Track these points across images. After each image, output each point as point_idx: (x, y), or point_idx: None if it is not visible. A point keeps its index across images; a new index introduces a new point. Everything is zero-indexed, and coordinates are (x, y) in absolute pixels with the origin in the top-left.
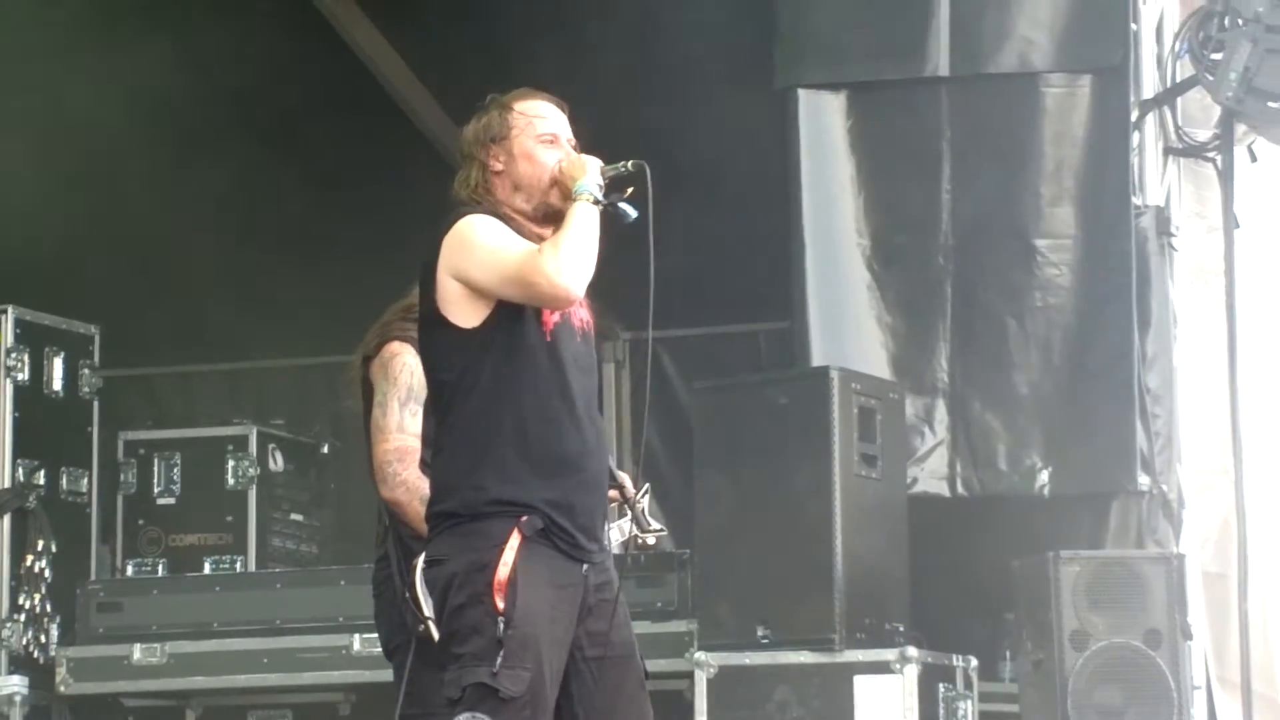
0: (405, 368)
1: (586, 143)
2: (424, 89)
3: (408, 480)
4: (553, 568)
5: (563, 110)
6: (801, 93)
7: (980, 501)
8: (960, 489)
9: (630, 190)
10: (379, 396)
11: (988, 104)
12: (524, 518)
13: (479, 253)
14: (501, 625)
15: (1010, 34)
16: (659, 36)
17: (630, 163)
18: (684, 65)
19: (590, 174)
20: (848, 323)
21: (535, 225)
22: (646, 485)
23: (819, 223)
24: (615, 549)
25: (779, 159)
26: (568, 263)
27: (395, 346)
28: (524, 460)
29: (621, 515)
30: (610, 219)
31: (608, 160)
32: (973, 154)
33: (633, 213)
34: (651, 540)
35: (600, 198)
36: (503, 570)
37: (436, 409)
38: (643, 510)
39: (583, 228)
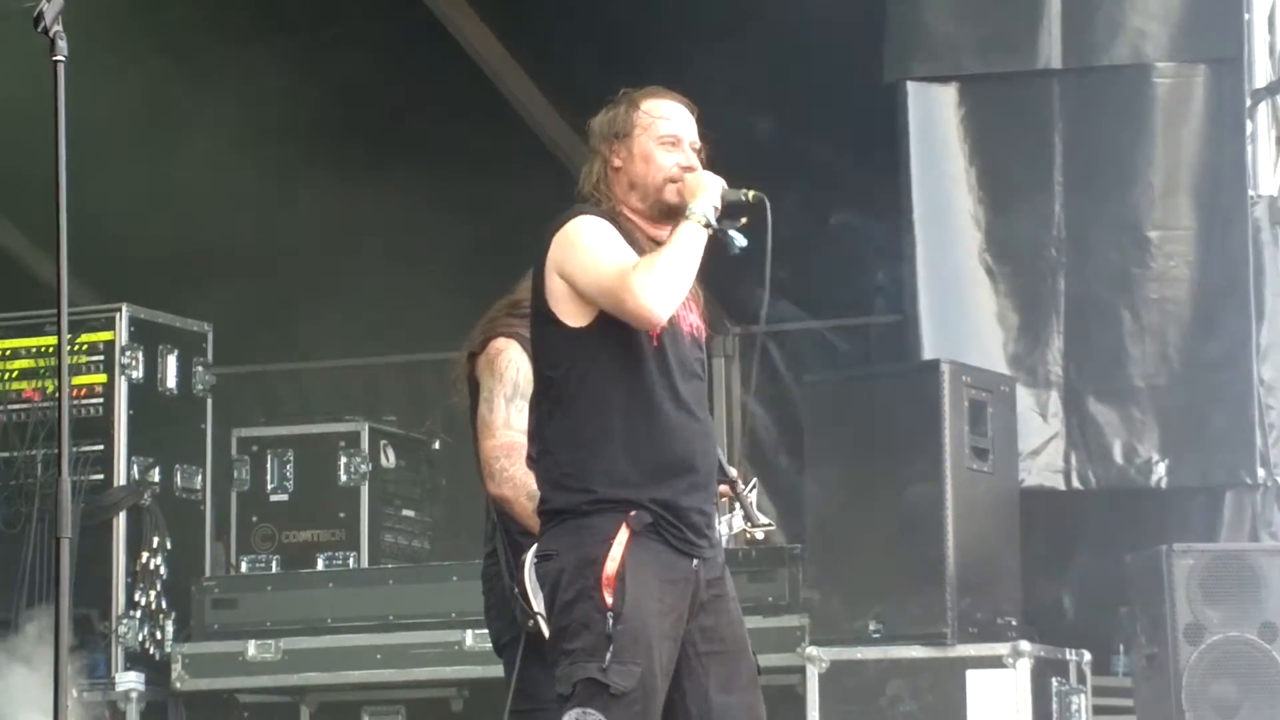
0: (511, 364)
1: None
2: (534, 86)
3: (515, 476)
4: (662, 562)
5: (691, 112)
6: (911, 85)
7: (1092, 494)
8: (1075, 482)
9: (744, 220)
10: (485, 393)
11: (1100, 96)
12: (632, 513)
13: (581, 255)
14: (611, 620)
15: (1123, 25)
16: (770, 29)
17: (751, 193)
18: (795, 59)
19: (708, 194)
20: (960, 315)
21: (651, 225)
22: (754, 480)
23: (930, 215)
24: (726, 543)
25: (889, 152)
26: (658, 285)
27: (501, 343)
28: (632, 465)
29: (731, 510)
30: (718, 244)
31: (733, 181)
32: (1085, 146)
33: (740, 243)
34: (760, 534)
35: (712, 221)
36: (611, 565)
37: (542, 404)
38: (751, 504)
39: (683, 250)
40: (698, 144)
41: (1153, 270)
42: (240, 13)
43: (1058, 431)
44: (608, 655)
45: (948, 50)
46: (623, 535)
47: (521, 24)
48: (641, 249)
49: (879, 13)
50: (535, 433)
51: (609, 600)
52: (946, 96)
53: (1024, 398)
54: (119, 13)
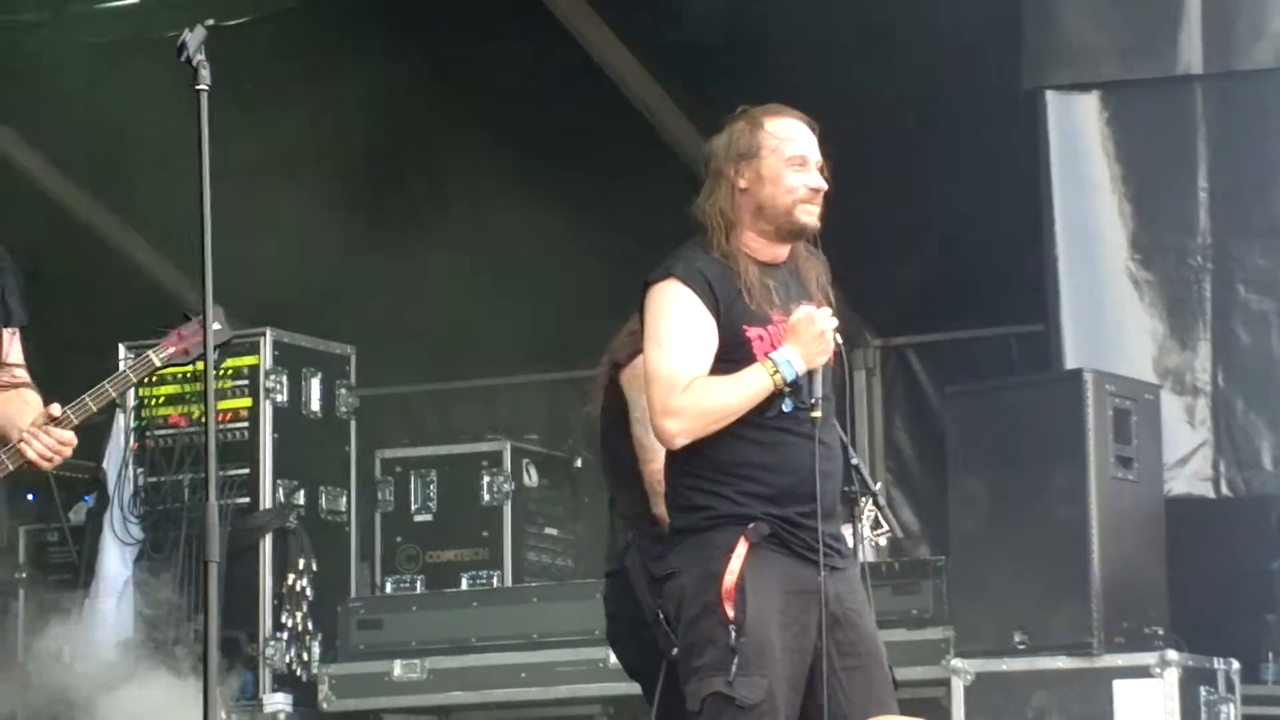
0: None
1: (833, 154)
2: (668, 97)
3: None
4: (784, 573)
5: (813, 131)
6: (1050, 94)
7: (1240, 501)
8: (1224, 489)
9: (815, 399)
10: (637, 412)
11: (1243, 100)
12: (750, 525)
13: (654, 333)
14: (734, 633)
15: (1264, 29)
16: (907, 39)
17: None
18: (933, 67)
19: (805, 348)
20: (1103, 324)
21: (771, 245)
22: (879, 484)
23: (1072, 224)
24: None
25: (1029, 160)
26: (694, 421)
27: None
28: (749, 491)
29: (876, 524)
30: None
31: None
32: (1229, 151)
33: (811, 416)
34: (884, 541)
35: (789, 380)
36: (729, 578)
37: None
38: (878, 515)
39: (742, 396)
40: (821, 162)
41: None
42: (366, 24)
43: (1206, 439)
44: (733, 668)
45: (1087, 57)
46: (741, 548)
47: (651, 32)
48: (750, 289)
49: (1015, 19)
50: (667, 458)
51: (731, 613)
52: (1088, 104)
53: (1171, 405)
54: (256, 39)
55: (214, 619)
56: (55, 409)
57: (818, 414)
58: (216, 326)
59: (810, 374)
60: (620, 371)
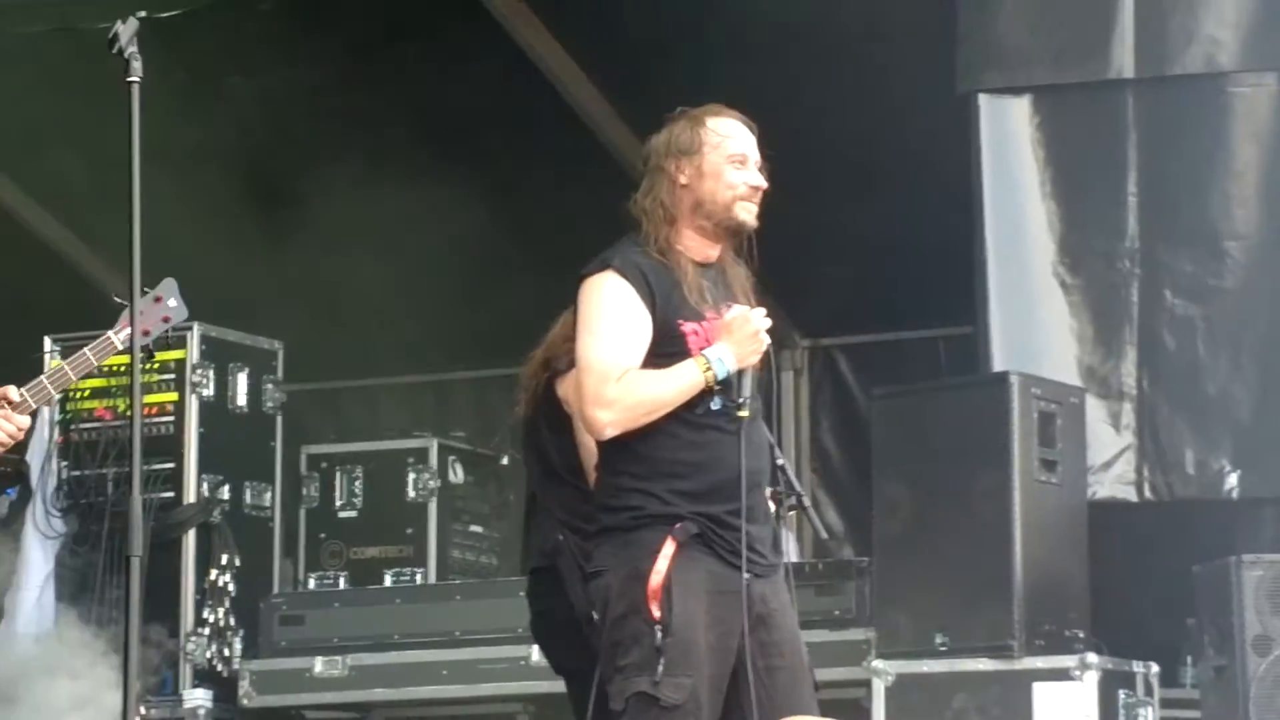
0: None
1: (764, 152)
2: (604, 99)
3: None
4: (711, 574)
5: (752, 131)
6: (983, 97)
7: (1162, 505)
8: (1148, 493)
9: (744, 399)
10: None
11: (1174, 105)
12: (678, 525)
13: (586, 322)
14: (660, 633)
15: (1196, 34)
16: (840, 42)
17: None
18: (865, 70)
19: (738, 346)
20: (1031, 327)
21: (707, 243)
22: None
23: (1002, 227)
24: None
25: (959, 163)
26: (623, 413)
27: None
28: (678, 485)
29: (800, 525)
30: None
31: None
32: (1159, 156)
33: (738, 415)
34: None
35: (720, 378)
36: (656, 578)
37: None
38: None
39: (673, 393)
40: (760, 161)
41: (1228, 281)
42: (307, 34)
43: (1130, 443)
44: (659, 669)
45: (1021, 61)
46: (668, 548)
47: (586, 30)
48: (678, 288)
49: (949, 22)
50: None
51: (657, 613)
52: (1020, 108)
53: (1096, 409)
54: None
55: (135, 614)
56: (13, 392)
57: (745, 413)
58: (173, 303)
59: (740, 373)
60: (559, 380)
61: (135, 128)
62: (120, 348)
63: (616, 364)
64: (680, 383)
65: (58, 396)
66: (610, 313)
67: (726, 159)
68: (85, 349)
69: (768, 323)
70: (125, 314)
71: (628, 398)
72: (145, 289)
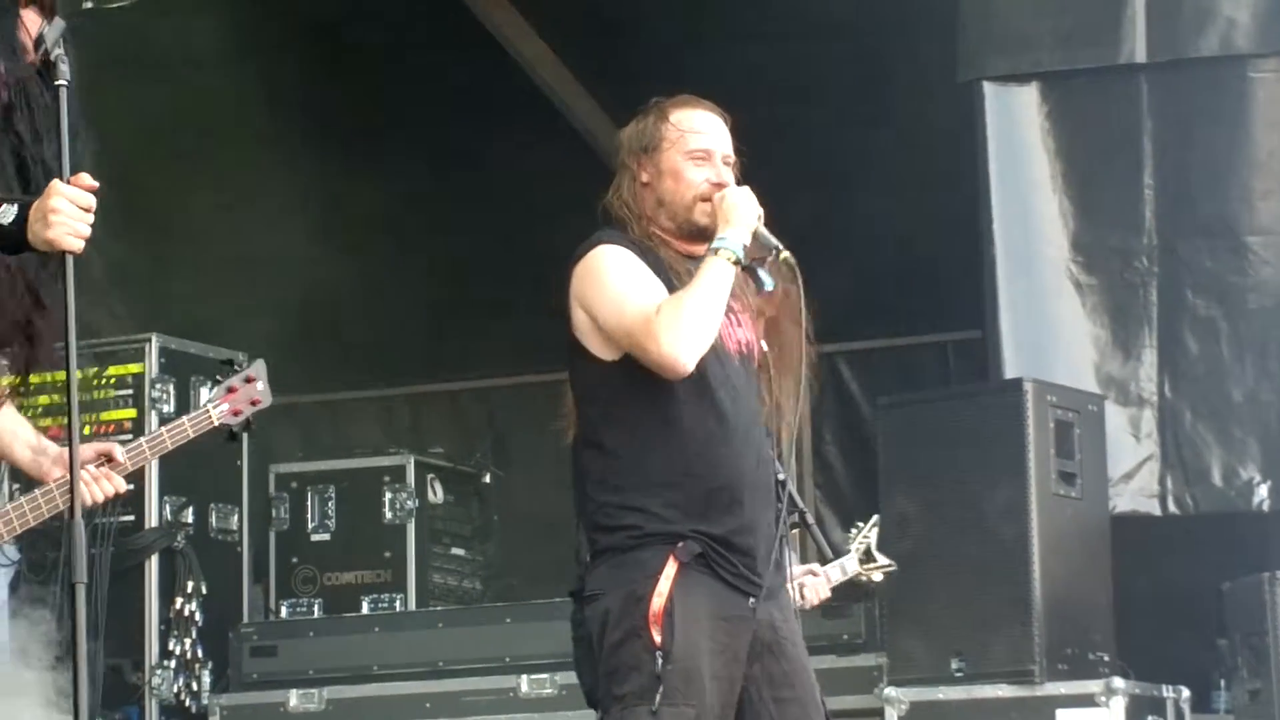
0: None
1: (756, 148)
2: (586, 93)
3: None
4: (715, 597)
5: (725, 122)
6: (988, 85)
7: (1188, 519)
8: (1172, 507)
9: (771, 258)
10: None
11: (1191, 92)
12: (680, 544)
13: (604, 293)
14: (660, 660)
15: (1211, 15)
16: (837, 34)
17: (783, 253)
18: (865, 62)
19: (739, 225)
20: (1044, 330)
21: (683, 243)
22: (875, 517)
23: (1011, 224)
24: (836, 580)
25: (965, 158)
26: (683, 331)
27: None
28: (676, 500)
29: (802, 544)
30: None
31: (766, 188)
32: (1176, 146)
33: (769, 286)
34: (879, 576)
35: (741, 257)
36: (657, 601)
37: (581, 441)
38: (870, 546)
39: (710, 289)
40: (731, 158)
41: (1251, 278)
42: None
43: (1152, 453)
44: (657, 698)
45: (1025, 47)
46: (670, 569)
47: (566, 23)
48: (673, 272)
49: (950, 7)
50: (579, 473)
51: (657, 639)
52: (1027, 96)
53: (1115, 417)
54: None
55: (83, 646)
56: (118, 452)
57: (787, 254)
58: (261, 386)
59: (755, 236)
60: None
61: (64, 132)
62: (215, 424)
63: (649, 304)
64: (709, 279)
65: (151, 458)
66: (619, 272)
67: (686, 155)
68: (185, 419)
69: (744, 188)
70: (226, 387)
71: (675, 318)
72: (237, 365)
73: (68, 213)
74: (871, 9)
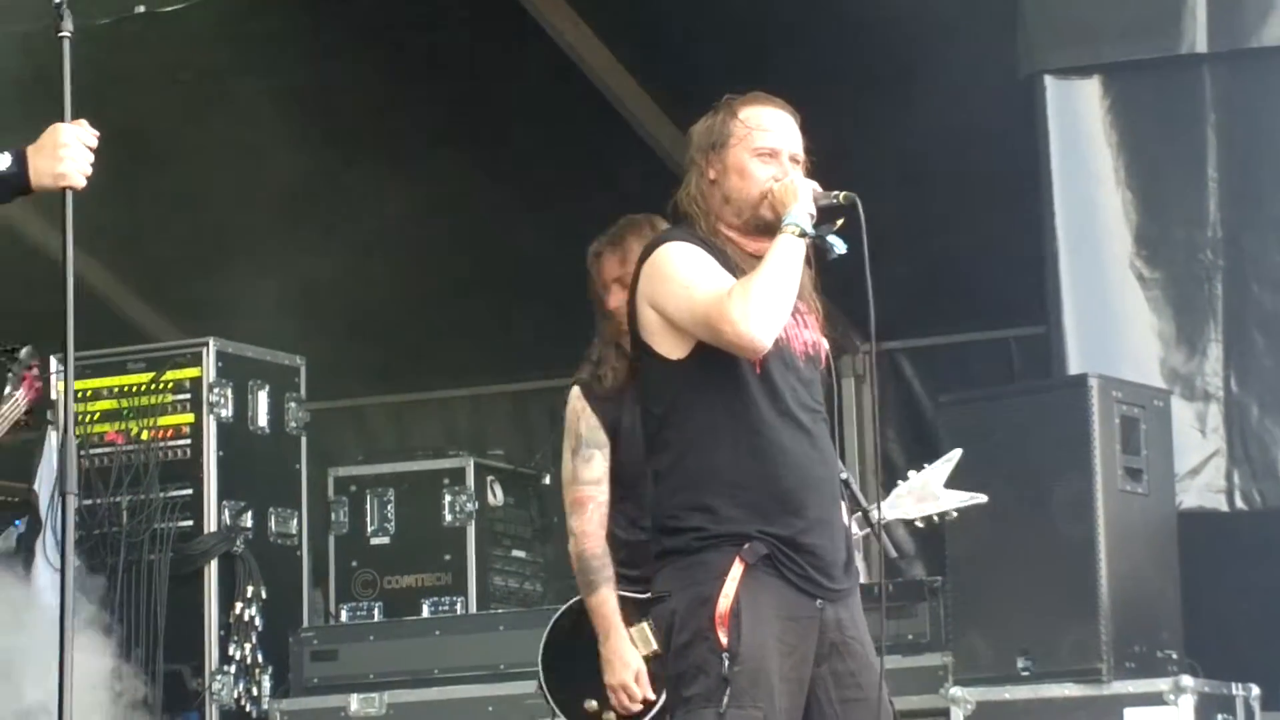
0: (574, 414)
1: (822, 145)
2: (648, 98)
3: (574, 529)
4: (782, 599)
5: (794, 119)
6: (1049, 79)
7: (1256, 514)
8: (1239, 502)
9: (841, 221)
10: (572, 441)
11: (1254, 82)
12: (746, 545)
13: (672, 286)
14: (727, 662)
15: (1273, 3)
16: (895, 30)
17: (841, 195)
18: (923, 59)
19: (801, 202)
20: (1108, 326)
21: (750, 241)
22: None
23: (1074, 218)
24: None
25: (1027, 152)
26: (757, 309)
27: (572, 391)
28: (742, 501)
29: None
30: (818, 251)
31: (828, 184)
32: (1241, 137)
33: (840, 248)
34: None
35: (808, 229)
36: (724, 602)
37: (651, 443)
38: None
39: (781, 266)
40: (800, 156)
41: None
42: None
43: (1218, 448)
44: (724, 699)
45: (1086, 39)
46: (736, 570)
47: (628, 26)
48: (741, 270)
49: (1012, 3)
50: (651, 474)
51: (724, 640)
52: (1088, 89)
53: (1181, 412)
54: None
55: (69, 557)
56: None
57: (848, 194)
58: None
59: (818, 204)
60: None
61: (66, 84)
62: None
63: (721, 288)
64: (778, 255)
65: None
66: (686, 265)
67: (753, 152)
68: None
69: (796, 170)
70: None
71: (748, 296)
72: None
73: (76, 148)
74: (937, 10)
